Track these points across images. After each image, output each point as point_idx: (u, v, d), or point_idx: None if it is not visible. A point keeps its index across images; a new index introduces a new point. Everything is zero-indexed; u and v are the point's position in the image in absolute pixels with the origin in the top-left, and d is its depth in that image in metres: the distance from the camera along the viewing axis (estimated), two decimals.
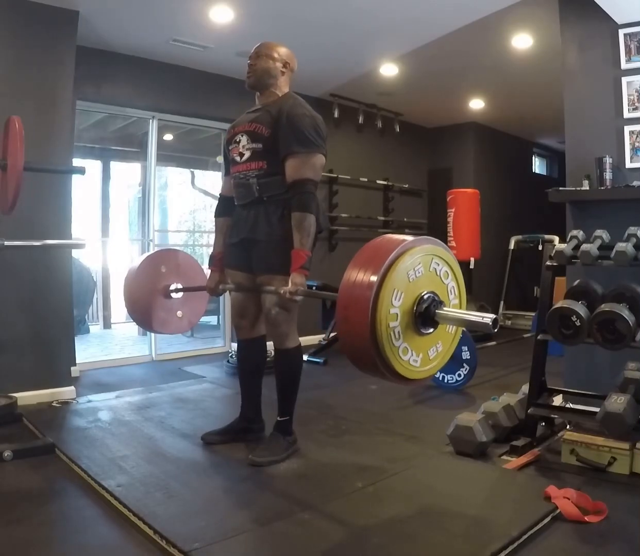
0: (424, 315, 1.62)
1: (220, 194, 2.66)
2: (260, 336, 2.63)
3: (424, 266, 1.63)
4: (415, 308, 1.61)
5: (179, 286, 2.89)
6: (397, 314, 1.56)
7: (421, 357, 1.68)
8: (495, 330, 1.58)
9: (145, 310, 2.85)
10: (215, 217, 2.68)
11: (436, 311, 1.63)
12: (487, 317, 1.57)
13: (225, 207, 2.60)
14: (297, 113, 2.28)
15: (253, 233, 2.36)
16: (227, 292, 2.65)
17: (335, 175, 5.72)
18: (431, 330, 1.66)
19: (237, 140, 2.40)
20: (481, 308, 5.70)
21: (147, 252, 2.94)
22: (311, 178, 2.26)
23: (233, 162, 2.44)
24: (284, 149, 2.26)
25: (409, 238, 1.64)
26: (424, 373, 1.71)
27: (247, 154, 2.36)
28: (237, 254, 2.50)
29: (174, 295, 2.88)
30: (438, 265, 1.68)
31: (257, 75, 2.40)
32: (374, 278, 1.53)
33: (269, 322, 2.40)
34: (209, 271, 2.67)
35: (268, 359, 3.35)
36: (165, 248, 3.02)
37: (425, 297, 1.63)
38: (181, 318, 2.98)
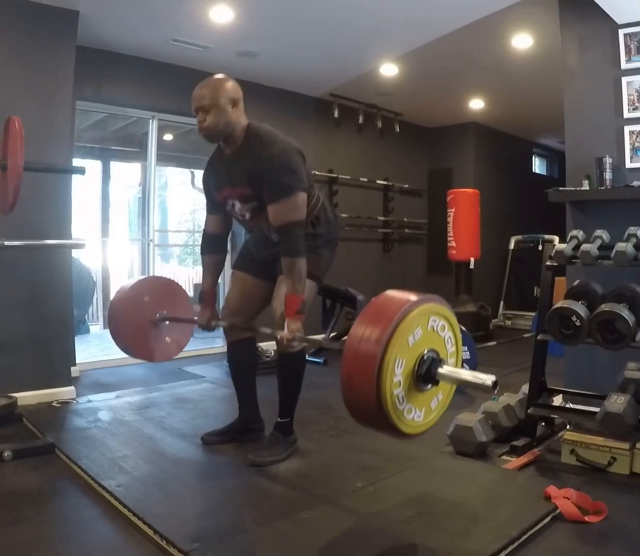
0: (425, 376, 1.66)
1: (204, 231, 2.58)
2: (251, 337, 2.62)
3: (422, 327, 1.66)
4: (416, 369, 1.65)
5: (165, 314, 2.86)
6: (400, 381, 1.61)
7: (424, 411, 1.73)
8: (496, 392, 1.62)
9: (132, 342, 2.81)
10: (202, 254, 2.61)
11: (437, 371, 1.66)
12: (488, 379, 1.60)
13: (211, 244, 2.56)
14: (266, 158, 2.19)
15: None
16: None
17: (335, 175, 5.72)
18: (431, 386, 1.70)
19: (231, 204, 2.40)
20: (481, 309, 5.70)
21: (127, 282, 2.96)
22: (295, 220, 2.21)
23: (240, 221, 2.47)
24: (266, 200, 2.26)
25: (407, 300, 1.64)
26: (427, 425, 1.77)
27: (248, 214, 2.36)
28: (253, 261, 2.53)
29: (160, 324, 2.86)
30: (435, 321, 1.71)
31: (209, 134, 2.26)
32: (376, 349, 1.55)
33: (275, 322, 2.38)
34: (199, 307, 2.60)
35: (268, 359, 3.35)
36: (146, 276, 3.02)
37: (425, 357, 1.66)
38: (170, 344, 2.95)
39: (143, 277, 3.05)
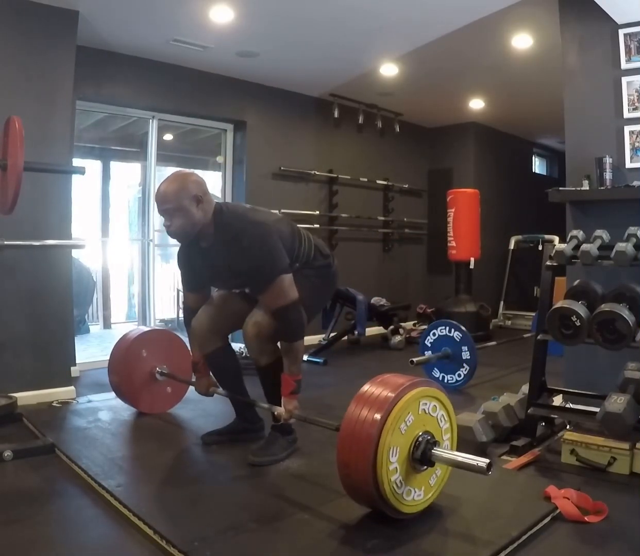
0: (421, 459, 1.73)
1: (185, 305, 2.57)
2: (227, 344, 2.60)
3: (413, 413, 1.73)
4: (411, 454, 1.73)
5: (164, 368, 2.95)
6: (396, 468, 1.69)
7: (423, 489, 1.82)
8: (490, 473, 1.66)
9: (133, 397, 2.94)
10: (186, 326, 2.58)
11: (432, 452, 1.73)
12: (482, 462, 1.65)
13: (194, 316, 2.53)
14: (242, 247, 2.19)
15: None
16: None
17: (335, 175, 5.71)
18: (427, 467, 1.77)
19: (233, 290, 2.51)
20: (481, 309, 5.70)
21: (128, 335, 3.03)
22: (287, 304, 2.22)
23: None
24: (253, 292, 2.33)
25: (393, 391, 1.70)
26: (428, 500, 1.85)
27: (248, 290, 2.44)
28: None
29: (159, 377, 2.96)
30: (426, 404, 1.78)
31: (178, 237, 2.26)
32: (368, 441, 1.63)
33: (245, 333, 2.39)
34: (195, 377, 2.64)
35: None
36: (142, 330, 3.08)
37: (419, 441, 1.74)
38: (171, 393, 3.05)
39: (143, 329, 3.12)
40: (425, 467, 1.76)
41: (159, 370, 2.96)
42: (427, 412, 1.78)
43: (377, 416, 1.65)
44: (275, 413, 2.30)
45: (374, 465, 1.64)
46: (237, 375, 2.62)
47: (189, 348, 2.64)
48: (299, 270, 2.35)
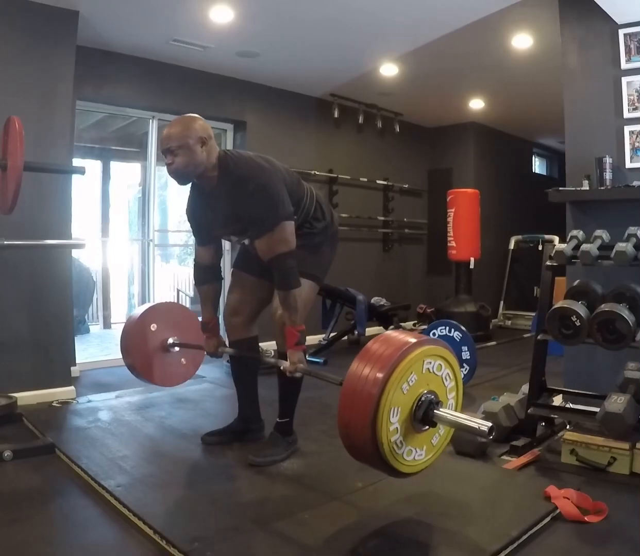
0: (423, 419, 1.68)
1: (196, 262, 2.55)
2: (254, 336, 2.62)
3: (417, 372, 1.68)
4: (413, 414, 1.67)
5: (176, 339, 2.91)
6: (397, 428, 1.64)
7: (425, 448, 1.76)
8: (491, 438, 1.64)
9: (148, 371, 2.87)
10: (197, 285, 2.59)
11: (434, 412, 1.68)
12: (483, 425, 1.60)
13: (205, 275, 2.53)
14: (246, 192, 2.16)
15: None
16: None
17: (335, 175, 5.72)
18: (429, 428, 1.72)
19: (227, 238, 2.48)
20: (481, 309, 5.70)
21: (136, 311, 3.01)
22: (285, 251, 2.19)
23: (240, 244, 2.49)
24: (252, 237, 2.27)
25: (396, 350, 1.65)
26: (430, 460, 1.80)
27: (248, 240, 2.37)
28: (253, 260, 2.49)
29: (172, 349, 2.91)
30: (431, 363, 1.72)
31: (178, 176, 2.19)
32: (369, 401, 1.59)
33: (275, 322, 2.38)
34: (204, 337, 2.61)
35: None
36: (151, 304, 3.07)
37: (422, 400, 1.68)
38: (186, 365, 3.01)
39: (151, 304, 3.09)
40: (427, 427, 1.70)
41: (171, 342, 2.91)
42: (431, 370, 1.72)
43: (380, 375, 1.59)
44: (282, 367, 2.24)
45: (373, 426, 1.58)
46: (254, 367, 2.65)
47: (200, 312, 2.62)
48: (298, 228, 2.31)
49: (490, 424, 1.59)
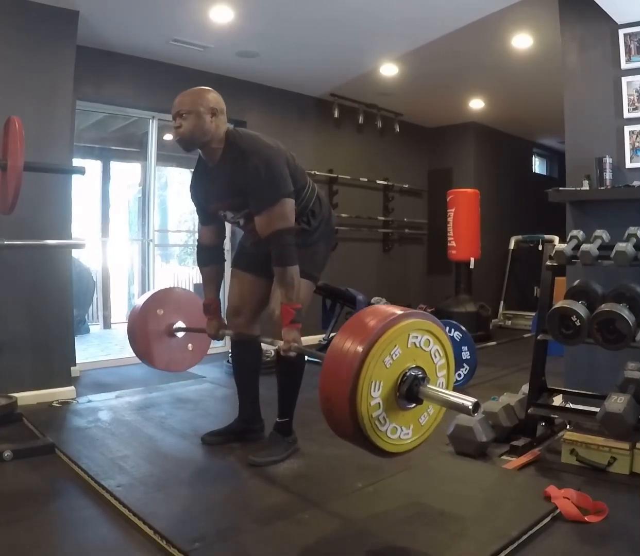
0: (407, 396, 1.61)
1: (199, 243, 2.56)
2: (256, 336, 2.62)
3: (401, 346, 1.60)
4: (397, 391, 1.60)
5: (181, 324, 2.90)
6: (379, 403, 1.57)
7: (412, 427, 1.68)
8: (476, 415, 1.58)
9: (155, 357, 2.86)
10: (199, 266, 2.60)
11: (420, 389, 1.60)
12: (468, 401, 1.54)
13: (208, 255, 2.54)
14: (247, 171, 2.16)
15: None
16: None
17: (335, 175, 5.72)
18: (416, 405, 1.65)
19: (223, 215, 2.42)
20: (481, 309, 5.70)
21: (144, 295, 3.00)
22: (283, 228, 2.19)
23: (237, 226, 2.48)
24: (252, 211, 2.25)
25: (379, 322, 1.58)
26: (417, 440, 1.71)
27: (242, 220, 2.37)
28: (250, 258, 2.51)
29: (178, 334, 2.91)
30: (417, 337, 1.64)
31: (185, 139, 2.21)
32: (349, 374, 1.52)
33: (274, 322, 2.39)
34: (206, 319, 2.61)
35: (268, 359, 3.34)
36: (158, 289, 3.06)
37: (406, 376, 1.60)
38: (193, 350, 3.00)
39: (156, 290, 3.08)
40: (413, 405, 1.64)
41: (176, 327, 2.91)
42: (418, 345, 1.64)
43: (360, 348, 1.53)
44: (277, 346, 2.25)
45: (353, 399, 1.52)
46: (256, 367, 2.66)
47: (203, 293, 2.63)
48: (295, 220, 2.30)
49: (474, 400, 1.54)
